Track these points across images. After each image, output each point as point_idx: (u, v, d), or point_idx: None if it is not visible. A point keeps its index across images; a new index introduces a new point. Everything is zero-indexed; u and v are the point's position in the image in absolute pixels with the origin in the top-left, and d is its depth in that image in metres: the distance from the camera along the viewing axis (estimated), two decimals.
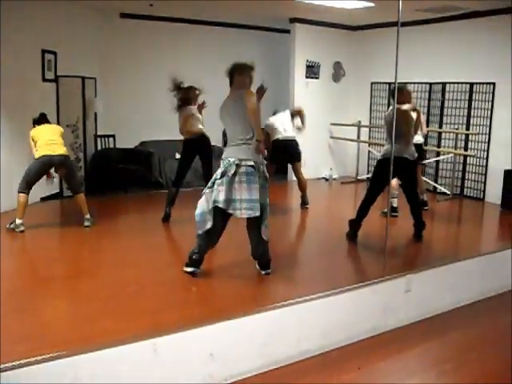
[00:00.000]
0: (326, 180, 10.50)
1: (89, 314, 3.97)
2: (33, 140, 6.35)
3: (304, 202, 7.89)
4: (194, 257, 4.74)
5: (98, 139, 9.07)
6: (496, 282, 5.71)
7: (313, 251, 5.96)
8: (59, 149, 6.34)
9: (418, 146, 7.21)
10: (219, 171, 4.62)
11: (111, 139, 9.23)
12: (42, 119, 6.56)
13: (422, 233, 6.17)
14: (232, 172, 4.52)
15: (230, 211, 4.60)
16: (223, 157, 4.68)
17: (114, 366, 3.36)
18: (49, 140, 6.31)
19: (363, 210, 6.03)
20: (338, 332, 4.38)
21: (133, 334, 3.53)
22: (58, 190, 8.10)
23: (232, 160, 4.56)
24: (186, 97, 6.77)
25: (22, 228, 6.17)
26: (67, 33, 8.10)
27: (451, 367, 4.14)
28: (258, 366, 3.90)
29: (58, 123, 7.93)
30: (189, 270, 4.77)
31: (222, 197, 4.53)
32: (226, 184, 4.54)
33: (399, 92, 5.77)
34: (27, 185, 6.26)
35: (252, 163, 4.58)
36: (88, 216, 6.47)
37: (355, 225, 6.06)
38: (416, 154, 6.11)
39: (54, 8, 7.74)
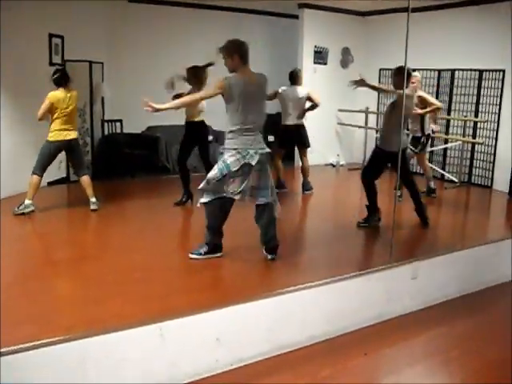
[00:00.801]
0: (333, 166, 10.48)
1: (96, 298, 3.98)
2: (51, 106, 6.18)
3: (306, 188, 7.89)
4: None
5: (105, 124, 9.06)
6: (503, 270, 5.70)
7: (319, 237, 5.94)
8: (72, 134, 6.34)
9: (424, 137, 7.17)
10: (234, 161, 4.56)
11: (118, 124, 9.22)
12: (62, 79, 6.35)
13: (426, 219, 6.13)
14: (254, 163, 4.52)
15: (246, 199, 4.63)
16: (237, 147, 4.58)
17: (120, 350, 3.37)
18: (65, 120, 6.25)
19: (368, 191, 6.07)
20: (344, 318, 4.39)
21: (139, 318, 3.54)
22: (64, 175, 8.10)
23: (252, 152, 4.55)
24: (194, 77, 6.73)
25: (31, 208, 6.18)
26: (75, 17, 8.06)
27: (456, 355, 4.14)
28: (263, 351, 3.91)
29: None
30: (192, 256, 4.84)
31: (238, 188, 4.57)
32: (244, 175, 4.56)
33: (396, 75, 5.89)
34: (42, 167, 6.27)
35: (266, 151, 4.60)
36: (94, 199, 6.47)
37: (370, 209, 6.09)
38: (407, 143, 6.08)
39: None
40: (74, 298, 4.17)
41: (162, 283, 4.32)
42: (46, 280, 4.41)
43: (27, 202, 6.18)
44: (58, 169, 7.81)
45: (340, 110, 10.58)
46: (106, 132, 9.07)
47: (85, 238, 5.84)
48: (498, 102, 8.45)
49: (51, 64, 7.62)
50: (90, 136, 8.52)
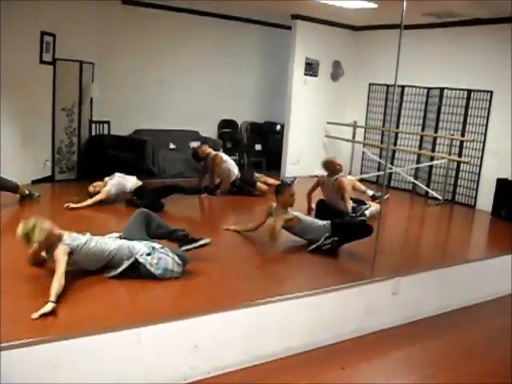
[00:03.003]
0: None
1: (73, 300, 3.93)
2: None
3: None
4: None
5: (93, 125, 9.01)
6: (483, 289, 5.74)
7: (301, 250, 5.90)
8: None
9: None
10: None
11: (106, 125, 9.19)
12: None
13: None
14: None
15: None
16: None
17: (97, 354, 3.35)
18: None
19: None
20: (323, 331, 4.39)
21: (117, 322, 3.51)
22: (49, 174, 8.05)
23: None
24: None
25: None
26: (67, 16, 8.02)
27: (434, 372, 4.15)
28: (241, 360, 3.90)
29: (54, 106, 7.91)
30: None
31: None
32: None
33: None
34: None
35: None
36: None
37: None
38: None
39: None
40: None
41: (141, 288, 4.27)
42: (19, 280, 4.32)
43: None
44: (43, 168, 7.76)
45: (328, 123, 10.61)
46: (93, 133, 9.02)
47: None
48: (484, 123, 8.52)
49: (42, 62, 7.58)
50: (76, 136, 8.46)
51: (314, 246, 5.49)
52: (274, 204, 5.81)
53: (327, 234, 5.49)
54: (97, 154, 8.53)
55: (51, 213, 6.55)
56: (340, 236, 5.44)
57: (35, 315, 3.51)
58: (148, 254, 4.34)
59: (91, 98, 8.88)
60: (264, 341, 4.06)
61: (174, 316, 3.67)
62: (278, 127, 11.31)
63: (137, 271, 4.30)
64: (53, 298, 3.73)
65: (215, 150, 8.39)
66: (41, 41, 7.53)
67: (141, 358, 3.50)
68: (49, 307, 3.58)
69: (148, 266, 4.29)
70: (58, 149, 8.10)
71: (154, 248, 4.40)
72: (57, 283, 3.83)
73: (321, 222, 5.68)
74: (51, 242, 4.13)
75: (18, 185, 6.41)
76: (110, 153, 8.54)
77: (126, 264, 4.29)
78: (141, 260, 4.28)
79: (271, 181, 8.25)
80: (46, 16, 7.56)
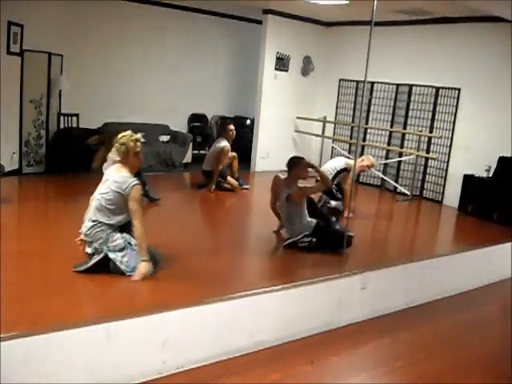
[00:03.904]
0: None
1: (41, 295, 3.88)
2: None
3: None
4: None
5: (62, 117, 8.92)
6: (449, 283, 5.84)
7: (270, 244, 5.93)
8: None
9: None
10: None
11: (75, 118, 9.11)
12: None
13: None
14: None
15: None
16: None
17: (66, 349, 3.31)
18: None
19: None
20: (293, 325, 4.42)
21: (86, 317, 3.49)
22: (17, 167, 7.93)
23: None
24: None
25: None
26: (36, 6, 7.90)
27: (401, 365, 4.22)
28: (211, 355, 3.91)
29: (21, 98, 7.79)
30: None
31: None
32: None
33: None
34: None
35: None
36: None
37: None
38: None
39: None
40: (19, 293, 4.05)
41: (109, 283, 4.24)
42: None
43: None
44: (10, 160, 7.64)
45: (298, 118, 10.66)
46: (61, 126, 8.92)
47: (32, 232, 5.68)
48: (452, 120, 8.65)
49: (9, 53, 7.46)
50: (45, 129, 8.35)
51: (290, 241, 5.50)
52: (282, 176, 5.73)
53: (307, 233, 5.50)
54: (65, 147, 8.43)
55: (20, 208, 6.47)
56: (319, 239, 5.45)
57: (136, 277, 3.99)
58: (121, 250, 4.29)
59: (60, 91, 8.78)
60: (234, 335, 4.07)
61: (144, 311, 3.66)
62: (248, 122, 11.35)
63: (106, 266, 4.26)
64: (145, 255, 4.02)
65: (184, 144, 8.36)
66: (8, 31, 7.41)
67: (111, 353, 3.48)
68: (145, 267, 3.99)
69: (118, 263, 4.24)
70: (25, 141, 7.99)
71: (129, 244, 4.35)
72: (142, 234, 4.15)
73: (309, 218, 5.65)
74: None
75: None
76: (79, 146, 8.44)
77: (95, 259, 4.26)
78: (111, 256, 4.24)
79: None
80: (14, 6, 7.42)
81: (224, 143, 8.05)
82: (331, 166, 6.92)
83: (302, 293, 4.50)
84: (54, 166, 8.33)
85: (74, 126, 9.09)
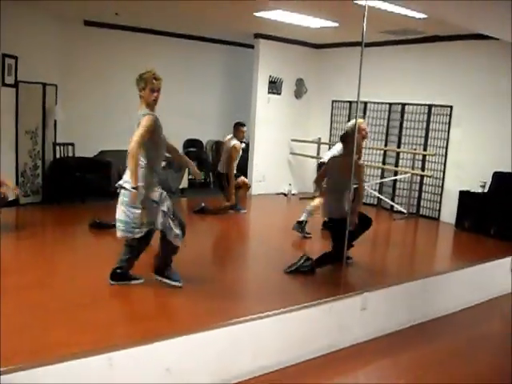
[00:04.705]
0: (285, 195, 10.55)
1: (40, 326, 3.87)
2: None
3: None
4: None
5: (57, 147, 8.94)
6: (449, 301, 5.82)
7: (269, 267, 5.92)
8: None
9: None
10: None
11: (70, 147, 9.12)
12: None
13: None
14: None
15: None
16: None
17: (68, 380, 3.29)
18: None
19: None
20: (295, 349, 4.40)
21: (88, 347, 3.48)
22: (14, 198, 7.91)
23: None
24: None
25: None
26: (29, 38, 7.98)
27: (405, 383, 4.21)
28: (214, 381, 3.88)
29: (17, 129, 7.82)
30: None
31: None
32: None
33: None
34: None
35: None
36: None
37: None
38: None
39: (16, 13, 7.63)
40: (19, 325, 4.03)
41: (111, 312, 4.24)
42: None
43: None
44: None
45: (293, 140, 10.71)
46: (57, 155, 8.94)
47: (30, 264, 5.66)
48: (445, 137, 8.71)
49: (4, 84, 7.51)
50: (41, 159, 8.38)
51: (292, 268, 5.49)
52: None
53: (306, 257, 5.50)
54: (62, 176, 8.46)
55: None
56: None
57: None
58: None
59: (55, 120, 8.81)
60: (236, 361, 4.05)
61: (145, 340, 3.65)
62: (243, 145, 11.36)
63: None
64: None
65: (180, 170, 8.38)
66: (2, 63, 7.49)
67: (114, 383, 3.46)
68: None
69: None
70: (22, 172, 8.01)
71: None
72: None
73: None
74: None
75: None
76: (75, 175, 8.47)
77: None
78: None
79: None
80: (8, 38, 7.49)
81: (235, 141, 8.29)
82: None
83: (303, 316, 4.48)
84: (51, 195, 8.34)
85: (70, 155, 9.10)
